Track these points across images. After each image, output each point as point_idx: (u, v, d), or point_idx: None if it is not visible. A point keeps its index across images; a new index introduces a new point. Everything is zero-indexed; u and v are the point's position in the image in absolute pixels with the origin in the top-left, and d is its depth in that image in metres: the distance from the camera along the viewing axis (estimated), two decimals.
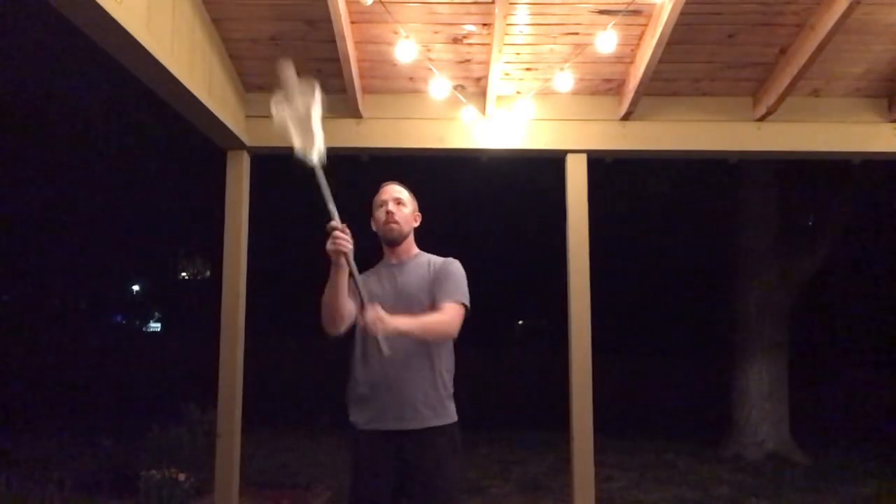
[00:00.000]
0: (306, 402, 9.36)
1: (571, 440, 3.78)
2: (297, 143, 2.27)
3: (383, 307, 2.31)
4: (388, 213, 2.61)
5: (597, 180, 4.08)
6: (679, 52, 3.60)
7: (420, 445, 2.47)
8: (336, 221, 2.26)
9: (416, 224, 2.70)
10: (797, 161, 5.64)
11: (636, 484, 6.55)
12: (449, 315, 2.47)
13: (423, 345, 2.49)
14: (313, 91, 2.29)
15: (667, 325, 13.41)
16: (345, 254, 2.26)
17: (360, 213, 2.76)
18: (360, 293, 2.30)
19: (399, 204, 2.63)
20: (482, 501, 5.84)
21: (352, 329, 2.52)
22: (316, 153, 2.27)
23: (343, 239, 2.25)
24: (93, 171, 11.71)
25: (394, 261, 2.66)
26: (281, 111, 2.27)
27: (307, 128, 2.27)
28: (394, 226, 2.61)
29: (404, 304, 2.49)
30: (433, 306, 2.50)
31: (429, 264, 2.63)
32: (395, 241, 2.63)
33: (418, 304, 2.51)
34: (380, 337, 2.22)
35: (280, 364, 10.23)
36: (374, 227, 2.70)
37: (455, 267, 2.60)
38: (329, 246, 2.27)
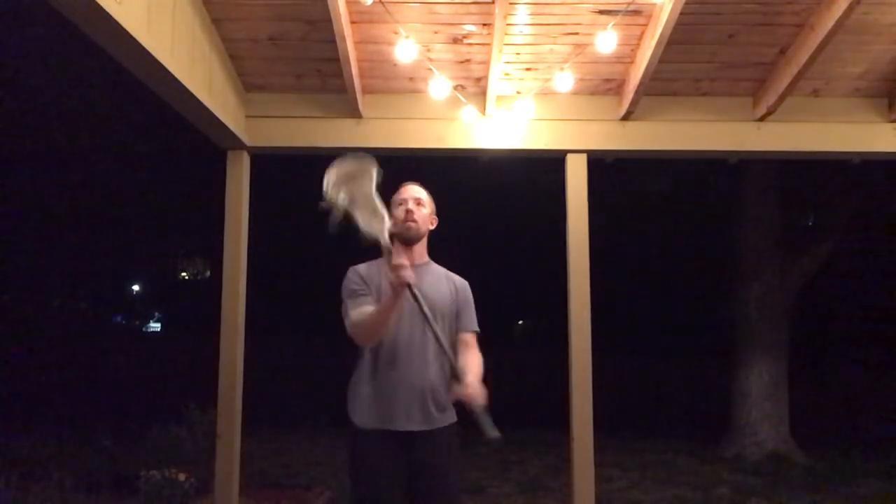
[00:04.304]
0: (306, 402, 9.36)
1: (571, 440, 3.78)
2: (362, 222, 2.42)
3: (409, 309, 2.43)
4: (408, 211, 2.61)
5: (597, 180, 4.08)
6: (679, 52, 3.60)
7: (431, 446, 2.49)
8: (399, 258, 2.38)
9: (433, 227, 2.70)
10: (797, 161, 5.63)
11: (636, 484, 6.55)
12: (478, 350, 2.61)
13: (440, 349, 2.50)
14: (368, 165, 2.49)
15: (667, 325, 13.39)
16: (410, 285, 2.34)
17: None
18: (430, 323, 2.37)
19: (419, 204, 2.64)
20: (482, 501, 5.84)
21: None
22: (385, 230, 2.42)
23: (408, 271, 2.34)
24: (93, 170, 11.70)
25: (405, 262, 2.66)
26: (341, 199, 2.44)
27: (371, 206, 2.44)
28: (412, 224, 2.61)
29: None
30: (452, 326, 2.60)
31: (447, 279, 2.67)
32: (412, 241, 2.63)
33: (440, 318, 2.53)
34: (481, 415, 2.26)
35: (280, 364, 10.22)
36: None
37: (470, 293, 2.70)
38: (394, 280, 2.34)
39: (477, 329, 2.65)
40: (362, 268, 2.63)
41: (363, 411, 2.52)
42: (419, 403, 2.49)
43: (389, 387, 2.48)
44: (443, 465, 2.52)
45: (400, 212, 2.63)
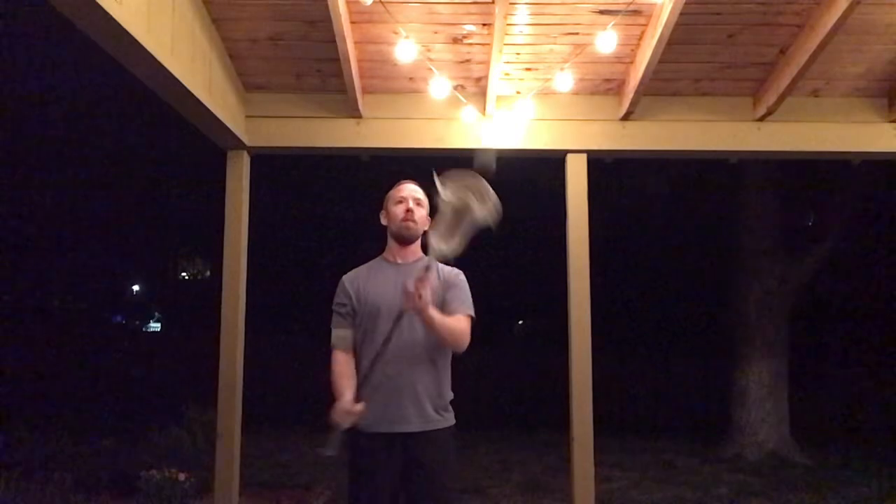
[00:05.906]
0: (306, 402, 9.35)
1: (571, 440, 3.78)
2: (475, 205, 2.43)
3: (390, 307, 2.44)
4: (409, 211, 2.61)
5: (597, 180, 4.08)
6: (679, 52, 3.60)
7: (424, 447, 2.48)
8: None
9: (426, 228, 2.67)
10: (797, 161, 5.64)
11: (636, 484, 6.55)
12: (465, 326, 2.54)
13: (428, 347, 2.51)
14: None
15: (667, 325, 13.40)
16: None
17: (362, 211, 2.76)
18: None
19: (418, 204, 2.64)
20: (482, 501, 5.84)
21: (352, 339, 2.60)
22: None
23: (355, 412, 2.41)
24: (93, 171, 11.72)
25: (399, 260, 2.65)
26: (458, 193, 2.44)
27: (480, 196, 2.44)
28: (411, 225, 2.61)
29: None
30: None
31: (436, 271, 2.60)
32: (409, 241, 2.64)
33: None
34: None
35: (280, 364, 10.22)
36: (383, 221, 2.68)
37: (463, 279, 2.65)
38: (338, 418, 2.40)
39: (469, 313, 2.57)
40: (351, 275, 2.65)
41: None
42: (413, 403, 2.48)
43: (381, 388, 2.46)
44: (437, 466, 2.50)
45: (399, 210, 2.62)
